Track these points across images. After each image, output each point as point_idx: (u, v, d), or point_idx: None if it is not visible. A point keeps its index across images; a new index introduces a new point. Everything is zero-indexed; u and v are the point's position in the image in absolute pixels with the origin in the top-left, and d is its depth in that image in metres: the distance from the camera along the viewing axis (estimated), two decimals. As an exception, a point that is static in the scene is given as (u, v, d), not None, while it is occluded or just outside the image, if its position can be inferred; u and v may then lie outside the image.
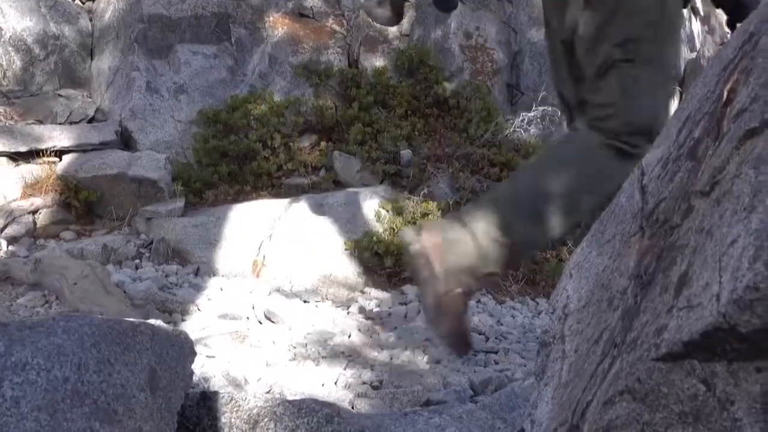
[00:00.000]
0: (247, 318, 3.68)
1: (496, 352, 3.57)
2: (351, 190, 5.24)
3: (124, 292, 3.73)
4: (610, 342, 1.69)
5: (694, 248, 1.47)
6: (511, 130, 5.93)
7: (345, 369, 3.04)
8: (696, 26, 9.15)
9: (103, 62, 6.09)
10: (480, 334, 3.87)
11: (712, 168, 1.50)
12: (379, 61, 6.33)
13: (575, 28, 2.25)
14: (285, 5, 6.42)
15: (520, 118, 6.00)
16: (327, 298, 4.29)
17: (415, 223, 4.94)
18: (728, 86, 1.71)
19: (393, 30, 6.54)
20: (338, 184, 5.51)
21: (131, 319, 1.82)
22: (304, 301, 4.15)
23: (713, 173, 1.47)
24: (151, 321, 2.02)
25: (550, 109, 6.01)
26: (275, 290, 4.21)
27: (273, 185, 5.52)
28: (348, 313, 4.05)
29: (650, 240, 1.69)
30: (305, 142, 5.84)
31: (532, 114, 5.98)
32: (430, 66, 6.21)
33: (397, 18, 2.72)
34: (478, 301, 4.57)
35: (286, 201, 5.06)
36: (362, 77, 6.13)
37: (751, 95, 1.53)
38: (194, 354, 1.89)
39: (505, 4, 6.48)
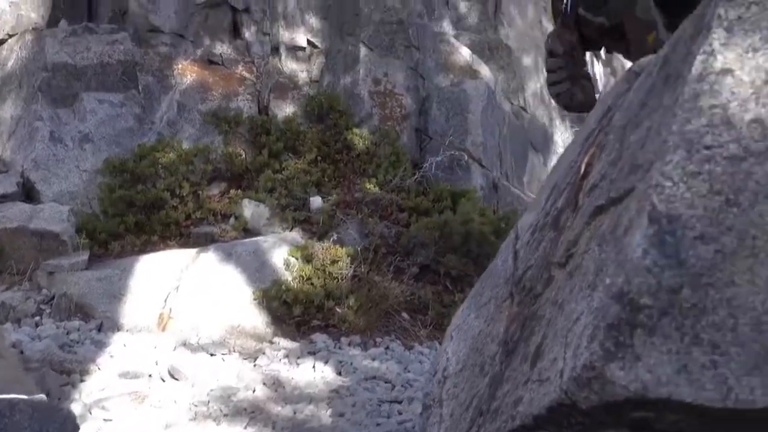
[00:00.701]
0: (150, 376, 3.65)
1: (400, 402, 3.65)
2: (260, 238, 5.27)
3: (21, 352, 3.66)
4: (478, 409, 1.78)
5: (549, 320, 1.56)
6: (420, 174, 6.08)
7: (246, 428, 3.06)
8: (598, 69, 9.60)
9: (5, 111, 5.99)
10: (386, 382, 3.95)
11: (568, 241, 1.60)
12: (289, 108, 6.42)
13: None
14: (194, 52, 6.46)
15: (428, 163, 6.16)
16: (234, 350, 4.29)
17: (324, 270, 5.02)
18: (586, 159, 1.82)
19: (303, 76, 6.66)
20: (248, 232, 5.53)
21: (10, 396, 1.82)
22: (211, 354, 4.14)
23: (568, 246, 1.58)
24: (35, 396, 2.02)
25: (456, 153, 6.21)
26: (181, 344, 4.19)
27: (181, 234, 5.50)
28: (254, 365, 4.06)
29: (518, 307, 1.77)
30: (214, 189, 5.85)
31: (439, 158, 6.16)
32: (340, 112, 6.32)
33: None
34: (387, 348, 4.66)
35: (194, 251, 5.06)
36: (272, 124, 6.20)
37: (601, 172, 1.63)
38: (77, 429, 1.91)
39: (413, 50, 6.68)
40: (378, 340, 4.79)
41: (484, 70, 6.90)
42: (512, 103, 7.36)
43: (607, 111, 1.90)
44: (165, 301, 4.63)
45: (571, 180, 1.83)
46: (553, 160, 7.93)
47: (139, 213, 5.46)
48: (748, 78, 1.12)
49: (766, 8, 1.16)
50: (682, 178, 1.08)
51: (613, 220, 1.27)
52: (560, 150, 8.10)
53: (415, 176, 6.05)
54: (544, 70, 3.07)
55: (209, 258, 4.93)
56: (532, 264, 1.80)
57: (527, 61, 7.61)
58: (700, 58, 1.15)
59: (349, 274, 5.03)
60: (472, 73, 6.82)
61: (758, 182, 1.05)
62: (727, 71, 1.13)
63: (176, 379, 3.64)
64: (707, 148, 1.08)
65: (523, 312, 1.72)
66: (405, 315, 5.11)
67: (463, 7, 7.21)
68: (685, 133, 1.11)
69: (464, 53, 6.89)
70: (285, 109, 6.40)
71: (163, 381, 3.65)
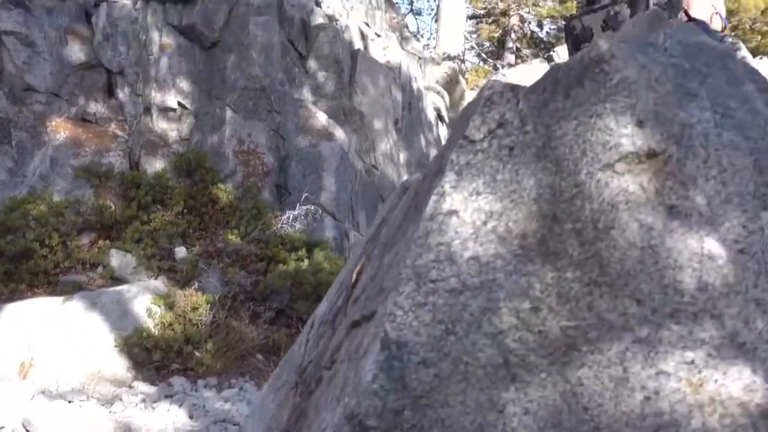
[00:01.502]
0: (2, 428, 3.51)
1: (244, 444, 3.68)
2: (125, 287, 5.17)
3: None
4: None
5: (310, 423, 1.58)
6: (279, 226, 6.15)
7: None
8: (443, 131, 10.03)
9: None
10: (234, 425, 3.96)
11: (334, 345, 1.65)
12: (159, 164, 6.36)
13: None
14: (69, 110, 6.30)
15: (286, 215, 6.25)
16: (92, 397, 4.18)
17: (185, 316, 4.98)
18: (358, 267, 1.87)
19: (173, 135, 6.62)
20: (115, 281, 5.40)
21: None
22: (69, 402, 4.01)
23: (333, 351, 1.62)
24: None
25: (312, 207, 6.34)
26: (40, 393, 4.04)
27: (49, 283, 5.31)
28: (110, 411, 3.98)
29: (299, 398, 1.78)
30: (84, 240, 5.69)
31: (296, 212, 6.26)
32: (207, 168, 6.33)
33: None
34: (241, 388, 4.67)
35: (60, 299, 4.89)
36: (142, 178, 6.12)
37: (364, 285, 1.68)
38: None
39: (275, 114, 6.79)
40: (233, 381, 4.79)
41: (339, 133, 7.10)
42: (364, 162, 7.58)
43: (381, 222, 1.98)
44: (28, 349, 4.45)
45: (348, 283, 1.90)
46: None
47: (7, 263, 5.23)
48: (470, 219, 1.21)
49: (489, 156, 1.26)
50: (411, 307, 1.15)
51: (360, 338, 1.34)
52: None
53: (274, 228, 6.12)
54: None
55: (74, 306, 4.79)
56: (312, 359, 1.82)
57: (378, 125, 7.87)
58: (433, 198, 1.24)
59: (209, 320, 5.01)
60: (328, 135, 7.00)
61: (472, 314, 1.13)
62: (453, 212, 1.21)
63: None
64: (432, 281, 1.16)
65: (301, 405, 1.72)
66: (260, 356, 5.14)
67: (321, 77, 7.40)
68: (416, 267, 1.19)
69: (321, 117, 7.06)
70: (155, 165, 6.34)
71: (17, 433, 3.51)
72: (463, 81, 13.55)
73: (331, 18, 8.02)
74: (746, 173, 1.18)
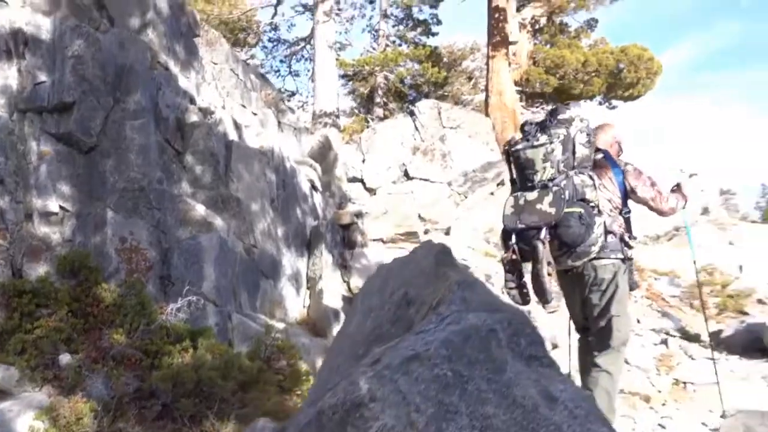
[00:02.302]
0: None
1: None
2: (6, 404, 4.86)
3: None
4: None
5: None
6: (164, 318, 6.01)
7: None
8: (318, 198, 10.15)
9: None
10: None
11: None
12: (42, 268, 6.06)
13: (588, 300, 4.02)
14: (-55, 222, 5.90)
15: (170, 307, 6.12)
16: None
17: (69, 428, 4.76)
18: None
19: (56, 238, 6.34)
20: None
21: None
22: None
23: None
24: None
25: (194, 298, 6.24)
26: None
27: (-70, 405, 4.92)
28: None
29: None
30: (-34, 355, 5.32)
31: (179, 303, 6.14)
32: (90, 268, 6.09)
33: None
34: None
35: (-61, 425, 4.56)
36: (25, 285, 5.80)
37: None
38: None
39: (155, 210, 6.65)
40: (121, 487, 4.63)
41: (218, 221, 7.05)
42: (244, 242, 7.55)
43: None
44: None
45: None
46: (283, 281, 8.24)
47: None
48: None
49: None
50: None
51: None
52: (288, 272, 8.44)
53: (158, 321, 5.97)
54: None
55: (-46, 431, 4.48)
56: None
57: (255, 207, 7.88)
58: None
59: (94, 429, 4.82)
60: (207, 224, 6.93)
61: None
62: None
63: None
64: None
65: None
66: (147, 455, 4.99)
67: (198, 170, 7.33)
68: None
69: (199, 209, 6.99)
70: (38, 270, 6.04)
71: None
72: (335, 145, 13.77)
73: (206, 111, 7.97)
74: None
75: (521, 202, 3.86)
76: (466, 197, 17.14)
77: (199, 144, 7.37)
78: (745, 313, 10.98)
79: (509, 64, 18.16)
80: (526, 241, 3.83)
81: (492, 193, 17.20)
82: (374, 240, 11.00)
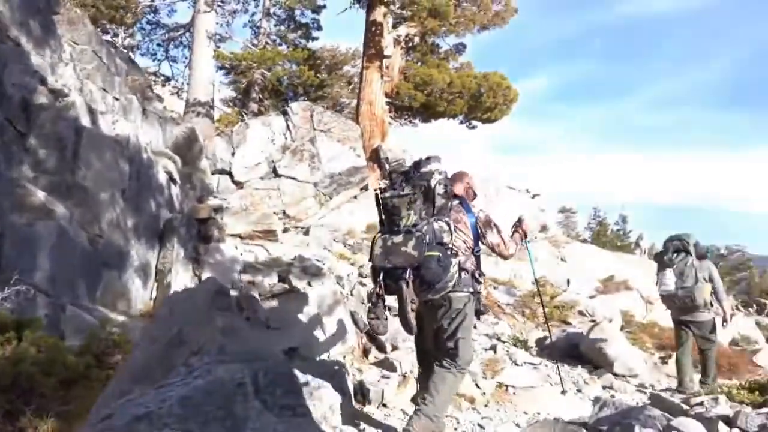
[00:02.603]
0: None
1: None
2: None
3: None
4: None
5: None
6: (-12, 307, 5.54)
7: None
8: (175, 191, 9.81)
9: None
10: None
11: None
12: None
13: (440, 326, 4.56)
14: None
15: (-3, 296, 5.66)
16: None
17: None
18: None
19: None
20: None
21: None
22: None
23: None
24: None
25: (24, 288, 5.81)
26: None
27: None
28: None
29: None
30: None
31: (6, 292, 5.69)
32: None
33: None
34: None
35: None
36: None
37: None
38: None
39: (-13, 193, 6.12)
40: None
41: (59, 209, 6.60)
42: (88, 232, 7.14)
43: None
44: None
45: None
46: (129, 273, 7.88)
47: None
48: None
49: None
50: None
51: None
52: (136, 263, 8.08)
53: (-18, 310, 5.50)
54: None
55: None
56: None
57: (104, 196, 7.46)
58: None
59: None
60: (47, 212, 6.48)
61: None
62: None
63: None
64: None
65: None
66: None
67: (41, 154, 6.83)
68: None
69: (39, 195, 6.52)
70: None
71: None
72: (202, 137, 13.34)
73: (58, 93, 7.44)
74: None
75: (389, 243, 4.28)
76: (330, 198, 17.29)
77: (46, 127, 6.87)
78: (568, 323, 11.98)
79: (382, 76, 18.52)
80: (393, 279, 4.29)
81: (356, 197, 17.49)
82: (232, 235, 10.80)
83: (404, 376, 6.64)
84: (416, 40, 19.26)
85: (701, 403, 5.35)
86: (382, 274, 4.34)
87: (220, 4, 20.70)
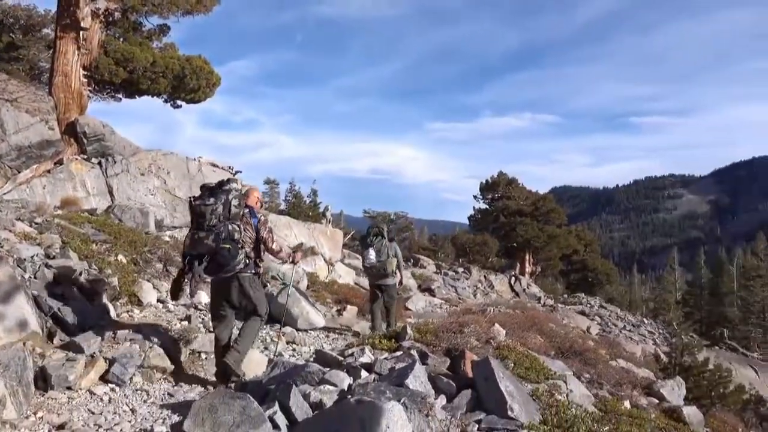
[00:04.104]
0: None
1: None
2: None
3: None
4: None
5: None
6: None
7: None
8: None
9: None
10: None
11: None
12: None
13: (242, 295, 5.93)
14: None
15: None
16: None
17: None
18: None
19: None
20: None
21: None
22: None
23: None
24: None
25: None
26: None
27: None
28: None
29: None
30: None
31: None
32: None
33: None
34: None
35: None
36: None
37: None
38: None
39: None
40: None
41: None
42: None
43: None
44: None
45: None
46: None
47: None
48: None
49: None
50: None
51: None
52: None
53: None
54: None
55: None
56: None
57: None
58: None
59: None
60: None
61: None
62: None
63: None
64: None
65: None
66: None
67: None
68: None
69: None
70: None
71: None
72: None
73: None
74: None
75: (196, 237, 5.49)
76: (18, 172, 14.59)
77: None
78: (264, 286, 12.15)
79: (78, 48, 16.13)
80: (199, 260, 5.52)
81: (49, 171, 15.05)
82: None
83: (92, 356, 5.98)
84: (117, 15, 17.13)
85: (352, 354, 5.93)
86: (188, 258, 5.51)
87: None
